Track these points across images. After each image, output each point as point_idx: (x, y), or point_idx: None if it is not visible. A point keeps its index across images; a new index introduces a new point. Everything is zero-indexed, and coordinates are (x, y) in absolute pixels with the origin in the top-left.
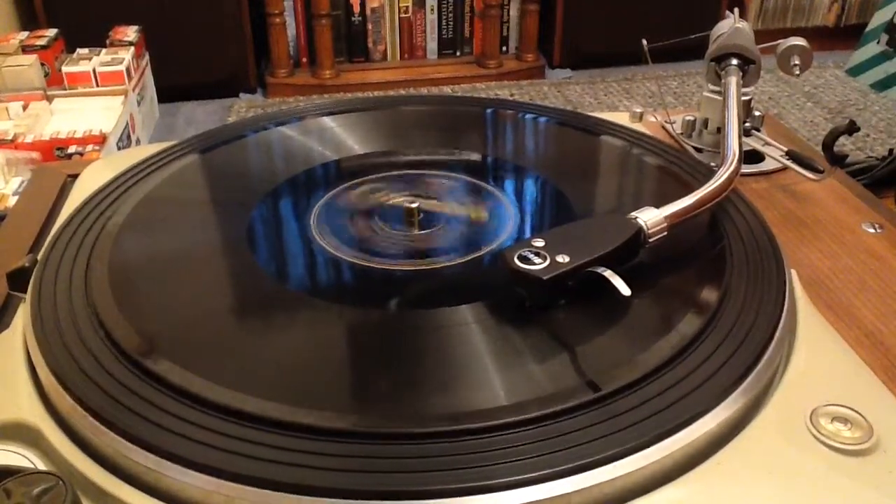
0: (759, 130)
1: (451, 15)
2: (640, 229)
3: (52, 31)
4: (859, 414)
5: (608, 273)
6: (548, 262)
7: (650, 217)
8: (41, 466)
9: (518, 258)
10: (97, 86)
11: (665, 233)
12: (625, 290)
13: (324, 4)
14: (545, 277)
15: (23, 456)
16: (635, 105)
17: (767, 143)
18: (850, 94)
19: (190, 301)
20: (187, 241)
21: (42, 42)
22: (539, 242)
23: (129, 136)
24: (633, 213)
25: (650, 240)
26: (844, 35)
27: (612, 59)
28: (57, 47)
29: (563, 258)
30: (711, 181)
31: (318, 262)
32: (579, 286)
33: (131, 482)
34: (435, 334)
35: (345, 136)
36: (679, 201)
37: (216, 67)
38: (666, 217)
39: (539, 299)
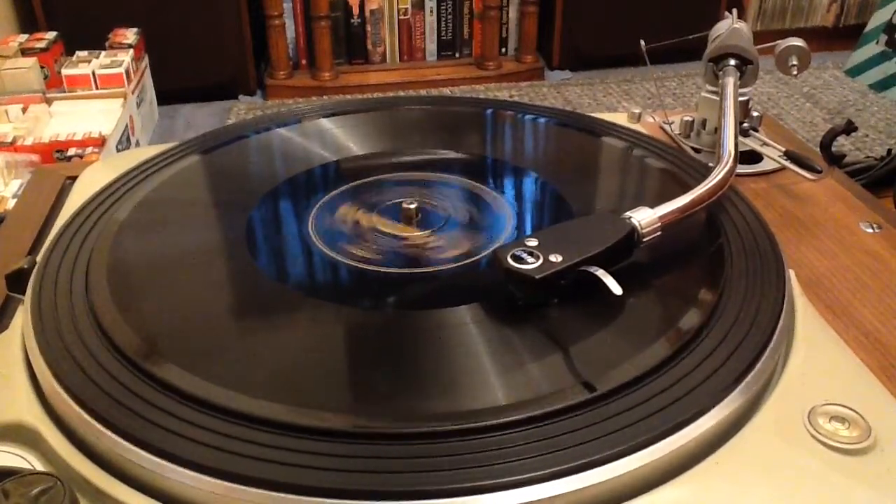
0: (757, 131)
1: (450, 16)
2: (633, 229)
3: (51, 34)
4: (857, 413)
5: (600, 272)
6: (540, 261)
7: (644, 217)
8: (39, 467)
9: (511, 257)
10: (96, 88)
11: (659, 232)
12: (617, 289)
13: (323, 6)
14: (537, 277)
15: (21, 457)
16: (634, 106)
17: (766, 144)
18: (848, 95)
19: (189, 302)
20: (186, 242)
21: (41, 45)
22: (532, 242)
23: (128, 139)
24: (628, 213)
25: (644, 239)
26: (843, 35)
27: (611, 60)
28: (56, 50)
29: (555, 257)
30: (706, 181)
31: (317, 263)
32: (573, 285)
33: (130, 483)
34: (433, 335)
35: (344, 138)
36: (673, 201)
37: (215, 70)
38: (660, 217)
39: (532, 298)
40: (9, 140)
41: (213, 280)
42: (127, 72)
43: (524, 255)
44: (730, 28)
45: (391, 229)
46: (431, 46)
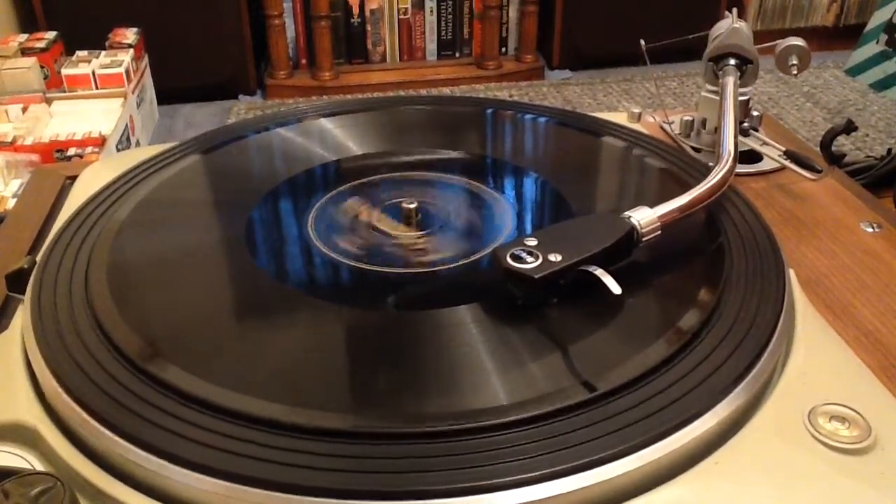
0: (757, 130)
1: (450, 16)
2: (633, 228)
3: (51, 34)
4: (857, 413)
5: (599, 272)
6: (540, 260)
7: (643, 216)
8: (39, 467)
9: (510, 257)
10: (96, 88)
11: (658, 232)
12: (616, 288)
13: (323, 6)
14: (536, 276)
15: (21, 457)
16: (634, 106)
17: (766, 143)
18: (849, 94)
19: (188, 302)
20: (186, 242)
21: (41, 44)
22: (532, 241)
23: (128, 139)
24: (627, 213)
25: (643, 239)
26: (843, 35)
27: (612, 59)
28: (56, 50)
29: (555, 257)
30: (705, 180)
31: (316, 263)
32: (572, 285)
33: (129, 483)
34: (433, 335)
35: (343, 137)
36: (673, 200)
37: (215, 69)
38: (659, 216)
39: (531, 298)
40: (9, 140)
41: (213, 280)
42: (127, 72)
43: (523, 255)
44: (730, 27)
45: (391, 229)
46: (431, 46)
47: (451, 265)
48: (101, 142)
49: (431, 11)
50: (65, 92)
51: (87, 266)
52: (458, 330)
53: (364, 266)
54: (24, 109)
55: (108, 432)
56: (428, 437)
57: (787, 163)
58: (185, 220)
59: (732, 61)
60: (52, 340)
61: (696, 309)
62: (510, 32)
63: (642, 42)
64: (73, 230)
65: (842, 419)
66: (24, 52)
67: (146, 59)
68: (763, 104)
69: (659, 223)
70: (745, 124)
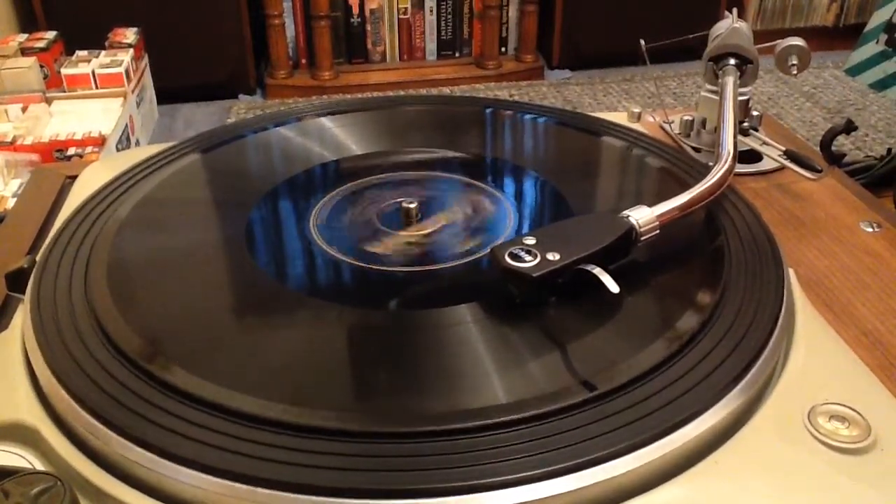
0: (757, 130)
1: (450, 16)
2: (631, 227)
3: (51, 34)
4: (857, 412)
5: (597, 270)
6: (538, 259)
7: (642, 215)
8: (39, 467)
9: (509, 255)
10: (96, 88)
11: (657, 231)
12: (614, 287)
13: (323, 5)
14: (534, 275)
15: (21, 456)
16: (634, 105)
17: (766, 143)
18: (848, 94)
19: (188, 301)
20: (186, 241)
21: (41, 44)
22: (530, 240)
23: (128, 138)
24: (626, 212)
25: (642, 238)
26: (843, 35)
27: (612, 59)
28: (56, 49)
29: (553, 256)
30: (704, 180)
31: (317, 262)
32: (571, 284)
33: (130, 482)
34: (432, 334)
35: (344, 137)
36: (671, 200)
37: (215, 69)
38: (658, 216)
39: (529, 296)
40: (9, 139)
41: (214, 279)
42: (127, 71)
43: (521, 254)
44: (730, 27)
45: (391, 228)
46: (431, 46)
47: (451, 264)
48: (100, 141)
49: (431, 11)
50: (65, 91)
51: (87, 265)
52: (457, 329)
53: (364, 265)
54: (24, 109)
55: (108, 431)
56: (425, 435)
57: (786, 162)
58: (185, 220)
59: (732, 61)
60: (51, 340)
61: (695, 308)
62: (510, 32)
63: (642, 42)
64: (73, 229)
65: (842, 419)
66: (24, 51)
67: (146, 59)
68: (763, 104)
69: (657, 222)
70: (745, 124)
